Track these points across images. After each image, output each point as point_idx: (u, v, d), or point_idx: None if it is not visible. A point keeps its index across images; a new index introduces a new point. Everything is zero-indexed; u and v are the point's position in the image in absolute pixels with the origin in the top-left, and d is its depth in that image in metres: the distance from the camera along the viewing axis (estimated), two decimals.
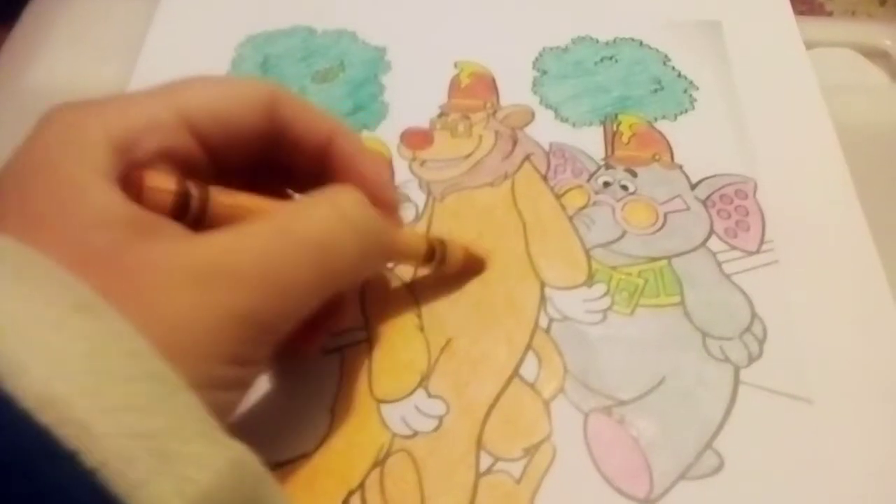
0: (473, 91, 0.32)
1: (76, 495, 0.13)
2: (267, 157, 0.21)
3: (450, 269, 0.25)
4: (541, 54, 0.33)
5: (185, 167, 0.19)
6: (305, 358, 0.24)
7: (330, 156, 0.21)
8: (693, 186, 0.29)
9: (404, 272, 0.26)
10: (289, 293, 0.18)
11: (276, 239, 0.18)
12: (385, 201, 0.22)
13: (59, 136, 0.17)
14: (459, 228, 0.27)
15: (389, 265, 0.26)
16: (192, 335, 0.16)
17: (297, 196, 0.23)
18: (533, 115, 0.31)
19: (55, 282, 0.15)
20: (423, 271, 0.26)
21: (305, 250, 0.18)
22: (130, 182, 0.17)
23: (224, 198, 0.19)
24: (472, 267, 0.26)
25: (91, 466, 0.13)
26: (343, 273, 0.19)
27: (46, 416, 0.13)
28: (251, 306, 0.17)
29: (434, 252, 0.24)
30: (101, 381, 0.14)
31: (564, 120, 0.31)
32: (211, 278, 0.16)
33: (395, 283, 0.26)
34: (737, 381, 0.24)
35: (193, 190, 0.18)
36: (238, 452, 0.15)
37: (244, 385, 0.18)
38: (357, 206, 0.20)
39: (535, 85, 0.32)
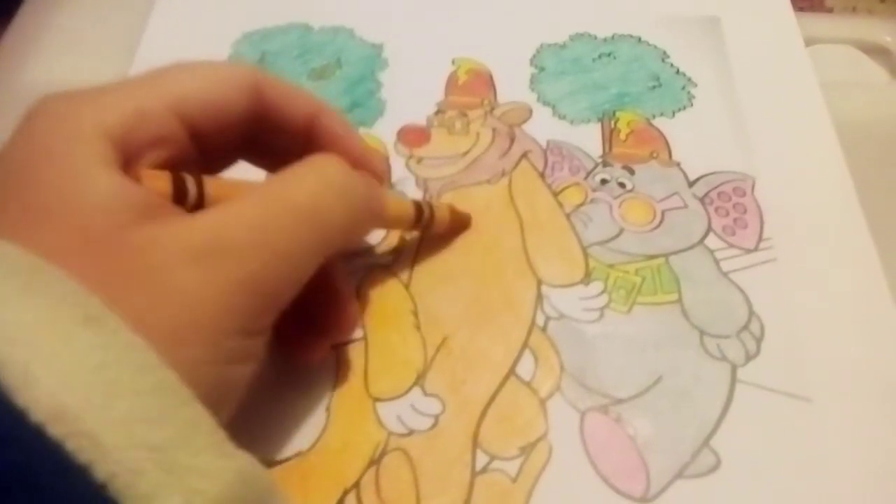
0: (471, 88, 0.32)
1: None
2: (252, 141, 0.21)
3: (438, 230, 0.26)
4: (538, 51, 0.33)
5: (175, 156, 0.19)
6: (307, 367, 0.24)
7: (314, 134, 0.22)
8: (691, 184, 0.29)
9: (401, 270, 0.26)
10: (287, 258, 0.18)
11: (269, 207, 0.18)
12: (371, 171, 0.22)
13: (54, 126, 0.17)
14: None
15: (381, 230, 0.26)
16: (202, 310, 0.16)
17: None
18: (530, 112, 0.31)
19: (65, 293, 0.15)
20: (414, 236, 0.26)
21: (297, 216, 0.18)
22: (128, 174, 0.17)
23: (220, 184, 0.19)
24: (458, 224, 0.27)
25: (101, 479, 0.13)
26: (334, 236, 0.20)
27: (57, 429, 0.13)
28: (253, 274, 0.17)
29: (422, 213, 0.25)
30: (111, 393, 0.14)
31: (562, 117, 0.31)
32: (213, 253, 0.17)
33: (391, 281, 0.26)
34: (734, 380, 0.24)
35: (189, 179, 0.18)
36: (246, 464, 0.15)
37: (255, 357, 0.18)
38: (340, 172, 0.20)
39: (533, 82, 0.32)
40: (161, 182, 0.18)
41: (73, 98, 0.18)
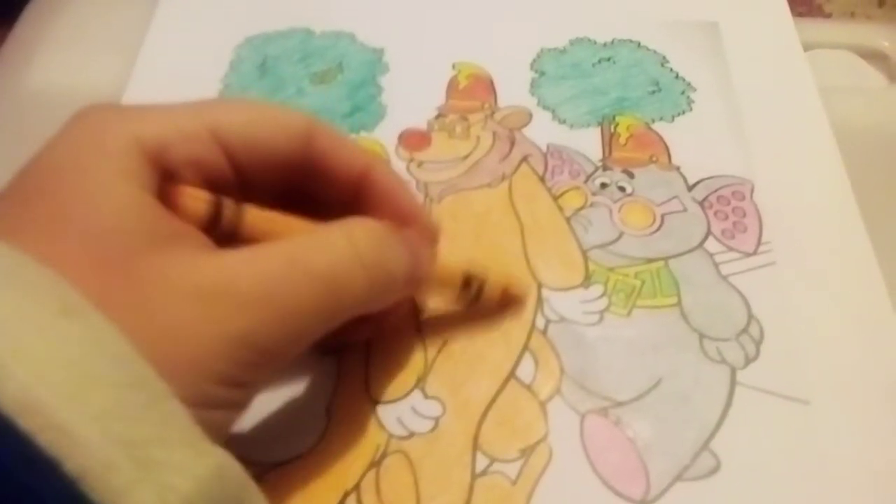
0: (471, 92, 0.32)
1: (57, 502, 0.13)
2: (299, 184, 0.21)
3: (484, 304, 0.24)
4: (539, 55, 0.33)
5: (214, 182, 0.19)
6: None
7: (364, 188, 0.21)
8: (690, 188, 0.29)
9: None
10: (289, 320, 0.17)
11: (283, 266, 0.18)
12: (421, 229, 0.22)
13: (89, 138, 0.17)
14: (457, 229, 0.27)
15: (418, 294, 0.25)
16: (189, 350, 0.16)
17: None
18: (531, 116, 0.31)
19: (43, 285, 0.15)
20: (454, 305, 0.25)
21: (310, 281, 0.18)
22: (165, 190, 0.18)
23: (258, 214, 0.19)
24: (508, 305, 0.25)
25: (73, 474, 0.13)
26: (348, 306, 0.19)
27: (29, 423, 0.13)
28: (249, 328, 0.17)
29: (469, 286, 0.23)
30: (86, 386, 0.14)
31: (562, 121, 0.31)
32: (214, 297, 0.16)
33: None
34: (733, 383, 0.24)
35: (228, 204, 0.18)
36: (221, 459, 0.15)
37: (237, 406, 0.18)
38: (372, 239, 0.19)
39: (533, 86, 0.32)
40: (199, 203, 0.18)
41: (112, 111, 0.18)
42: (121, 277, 0.16)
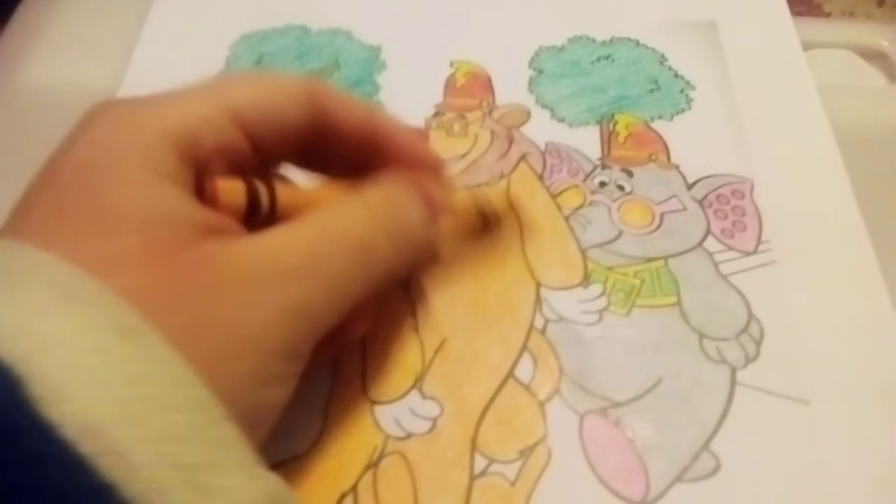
0: (469, 90, 0.32)
1: None
2: (310, 150, 0.21)
3: (497, 219, 0.25)
4: (537, 53, 0.33)
5: (239, 164, 0.19)
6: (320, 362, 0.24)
7: (373, 140, 0.22)
8: (690, 186, 0.29)
9: None
10: (333, 288, 0.18)
11: (319, 239, 0.18)
12: (431, 170, 0.22)
13: (117, 132, 0.17)
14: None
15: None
16: (249, 329, 0.16)
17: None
18: (529, 114, 0.31)
19: (101, 302, 0.14)
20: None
21: (345, 250, 0.19)
22: (202, 188, 0.18)
23: (289, 192, 0.20)
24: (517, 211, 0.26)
25: (130, 499, 0.13)
26: (381, 270, 0.20)
27: (88, 447, 0.13)
28: (302, 299, 0.17)
29: (487, 220, 0.24)
30: (143, 409, 0.13)
31: (561, 119, 0.31)
32: (267, 275, 0.17)
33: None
34: (733, 383, 0.24)
35: (262, 189, 0.19)
36: (273, 485, 0.15)
37: (294, 380, 0.18)
38: (389, 205, 0.20)
39: (532, 84, 0.32)
40: (236, 195, 0.18)
41: (134, 105, 0.18)
42: (171, 270, 0.16)
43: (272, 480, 0.15)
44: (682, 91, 0.32)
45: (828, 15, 0.40)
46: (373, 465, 0.22)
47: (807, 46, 0.33)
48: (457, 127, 0.30)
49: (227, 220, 0.18)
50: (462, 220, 0.24)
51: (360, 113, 0.21)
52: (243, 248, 0.17)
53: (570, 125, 0.30)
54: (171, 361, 0.14)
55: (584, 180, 0.29)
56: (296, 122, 0.20)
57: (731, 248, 0.27)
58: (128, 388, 0.14)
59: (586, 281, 0.26)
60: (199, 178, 0.18)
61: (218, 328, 0.16)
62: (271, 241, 0.18)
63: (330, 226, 0.19)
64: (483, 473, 0.22)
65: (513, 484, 0.22)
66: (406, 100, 0.31)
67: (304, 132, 0.20)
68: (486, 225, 0.25)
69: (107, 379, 0.13)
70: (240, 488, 0.14)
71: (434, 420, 0.23)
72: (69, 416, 0.13)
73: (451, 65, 0.32)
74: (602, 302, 0.25)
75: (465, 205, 0.24)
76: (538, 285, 0.26)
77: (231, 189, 0.18)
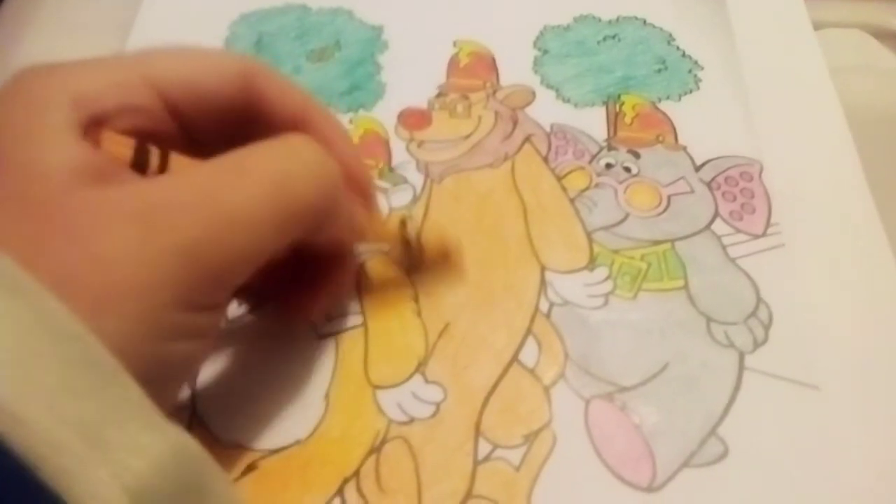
0: (473, 70, 0.31)
1: (2, 485, 0.12)
2: (241, 131, 0.20)
3: (428, 255, 0.24)
4: (542, 33, 0.32)
5: (156, 133, 0.18)
6: (312, 324, 0.24)
7: (305, 132, 0.21)
8: (697, 168, 0.28)
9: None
10: (238, 227, 0.17)
11: (227, 172, 0.17)
12: (360, 181, 0.22)
13: (22, 95, 0.17)
14: (458, 210, 0.27)
15: (361, 247, 0.24)
16: (134, 273, 0.15)
17: None
18: (534, 95, 0.30)
19: None
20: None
21: (259, 185, 0.17)
22: (90, 137, 0.17)
23: (185, 161, 0.18)
24: (448, 260, 0.25)
25: (22, 454, 0.12)
26: (304, 213, 0.18)
27: None
28: (196, 241, 0.16)
29: (406, 226, 0.23)
30: (31, 365, 0.13)
31: (566, 100, 0.30)
32: (152, 213, 0.16)
33: (391, 267, 0.25)
34: (741, 367, 0.23)
35: (154, 151, 0.18)
36: (178, 437, 0.15)
37: (202, 334, 0.17)
38: (312, 149, 0.19)
39: (536, 64, 0.31)
40: (122, 147, 0.17)
41: (46, 68, 0.18)
42: (49, 216, 0.15)
43: (176, 433, 0.15)
44: (689, 71, 0.31)
45: None
46: (375, 449, 0.22)
47: (817, 26, 0.33)
48: (460, 108, 0.30)
49: (120, 168, 0.17)
50: (387, 246, 0.24)
51: (297, 101, 0.21)
52: (130, 189, 0.16)
53: (576, 106, 0.30)
54: (60, 315, 0.14)
55: (590, 162, 0.28)
56: (225, 99, 0.19)
57: (739, 231, 0.26)
58: (13, 344, 0.13)
59: (592, 264, 0.25)
60: (92, 129, 0.17)
61: (94, 272, 0.15)
62: (165, 179, 0.17)
63: (239, 161, 0.18)
64: (487, 459, 0.22)
65: (517, 469, 0.21)
66: (409, 80, 0.30)
67: (234, 111, 0.20)
68: (410, 256, 0.24)
69: None
70: (140, 441, 0.14)
71: (437, 405, 0.23)
72: None
73: (455, 44, 0.32)
74: (608, 285, 0.25)
75: (392, 229, 0.23)
76: (543, 268, 0.25)
77: (118, 141, 0.17)
